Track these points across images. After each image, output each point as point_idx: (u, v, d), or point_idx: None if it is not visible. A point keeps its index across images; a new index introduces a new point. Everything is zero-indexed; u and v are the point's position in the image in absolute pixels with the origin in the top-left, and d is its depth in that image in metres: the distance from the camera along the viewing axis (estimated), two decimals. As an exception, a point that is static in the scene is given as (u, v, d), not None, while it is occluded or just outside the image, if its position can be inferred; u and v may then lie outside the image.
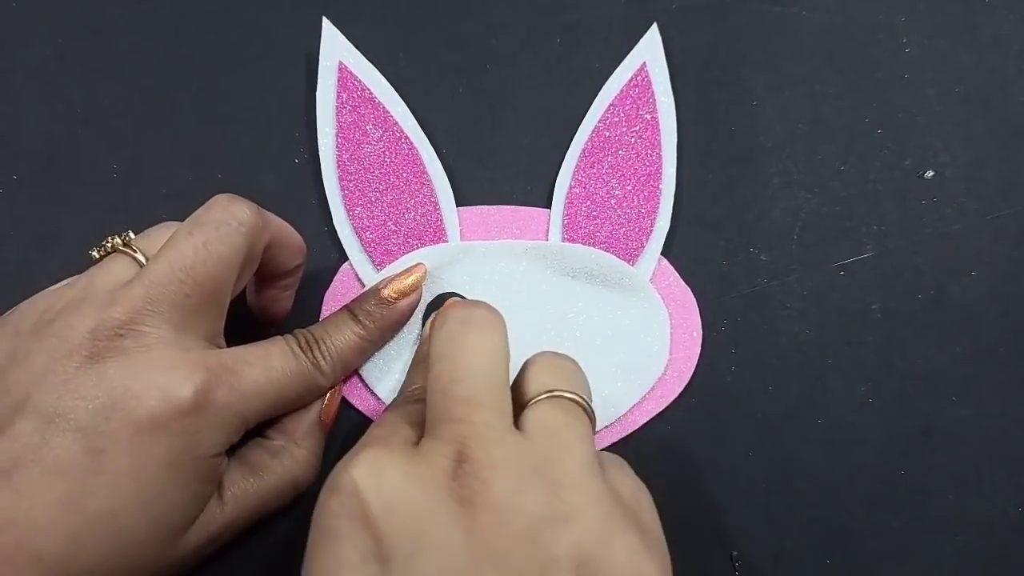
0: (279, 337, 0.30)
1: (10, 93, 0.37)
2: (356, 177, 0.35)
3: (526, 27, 0.38)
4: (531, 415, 0.25)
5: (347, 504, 0.23)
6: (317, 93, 0.35)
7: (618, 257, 0.35)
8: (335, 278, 0.35)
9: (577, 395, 0.26)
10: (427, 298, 0.34)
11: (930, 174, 0.37)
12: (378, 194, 0.35)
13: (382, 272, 0.34)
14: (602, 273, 0.35)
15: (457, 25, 0.38)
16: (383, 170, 0.35)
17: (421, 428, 0.26)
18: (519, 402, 0.26)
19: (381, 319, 0.32)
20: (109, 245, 0.29)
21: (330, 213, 0.35)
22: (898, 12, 0.38)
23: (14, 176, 0.36)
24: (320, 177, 0.35)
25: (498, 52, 0.38)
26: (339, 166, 0.35)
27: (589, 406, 0.26)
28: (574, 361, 0.28)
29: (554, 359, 0.27)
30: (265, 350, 0.29)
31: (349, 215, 0.35)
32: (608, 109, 0.36)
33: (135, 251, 0.28)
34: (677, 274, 0.36)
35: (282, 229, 0.30)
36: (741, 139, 0.37)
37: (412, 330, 0.34)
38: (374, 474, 0.23)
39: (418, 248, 0.35)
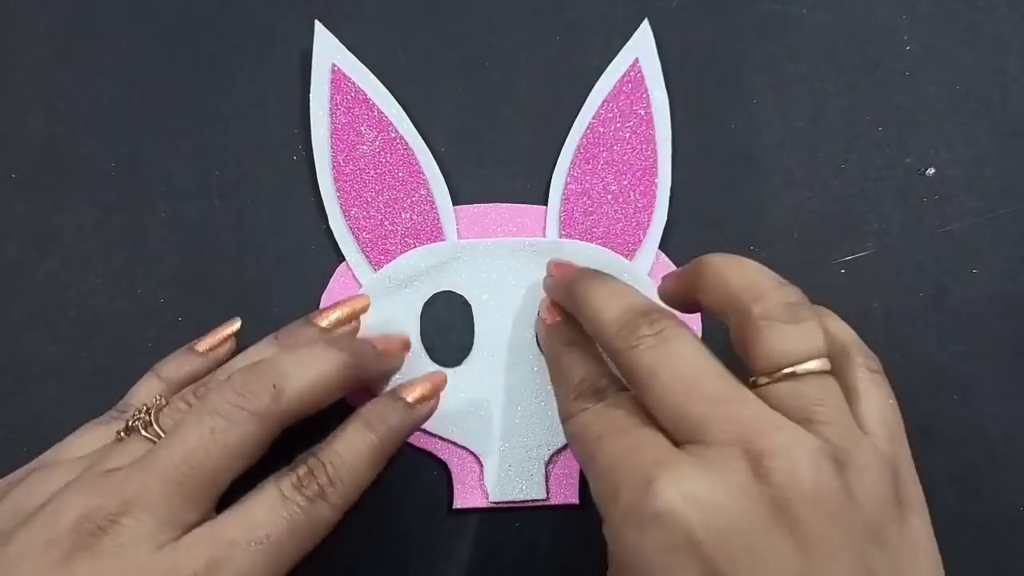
0: (272, 478, 0.27)
1: (10, 93, 0.37)
2: (351, 178, 0.35)
3: (525, 26, 0.38)
4: (783, 394, 0.24)
5: (669, 535, 0.22)
6: (310, 95, 0.35)
7: (615, 252, 0.35)
8: (332, 279, 0.35)
9: (820, 361, 0.24)
10: (424, 296, 0.34)
11: (931, 172, 0.36)
12: (374, 195, 0.35)
13: (380, 273, 0.34)
14: (600, 269, 0.34)
15: (456, 23, 0.38)
16: (378, 171, 0.35)
17: (651, 423, 0.25)
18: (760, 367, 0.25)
19: (400, 425, 0.30)
20: (133, 422, 0.28)
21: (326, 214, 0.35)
22: (899, 10, 0.38)
23: (13, 175, 0.36)
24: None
25: (497, 50, 0.37)
26: (334, 167, 0.35)
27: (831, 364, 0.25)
28: (796, 302, 0.25)
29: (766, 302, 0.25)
30: (248, 518, 0.26)
31: (345, 216, 0.35)
32: (602, 105, 0.36)
33: (158, 436, 0.27)
34: (676, 269, 0.35)
35: (318, 396, 0.28)
36: (741, 137, 0.37)
37: (410, 333, 0.34)
38: (686, 497, 0.22)
39: (415, 247, 0.35)
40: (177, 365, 0.31)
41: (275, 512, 0.26)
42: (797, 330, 0.24)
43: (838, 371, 0.25)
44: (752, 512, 0.22)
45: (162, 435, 0.27)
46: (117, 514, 0.25)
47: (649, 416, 0.25)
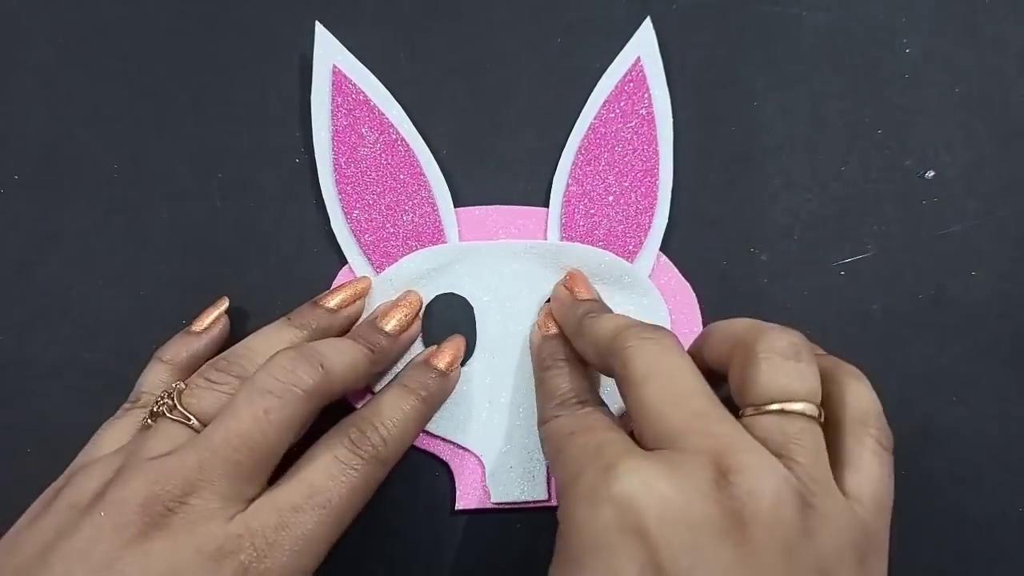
0: (324, 445, 0.29)
1: (10, 93, 0.37)
2: (353, 180, 0.35)
3: (526, 27, 0.38)
4: (766, 425, 0.25)
5: (621, 516, 0.22)
6: (312, 97, 0.35)
7: (616, 255, 0.35)
8: (334, 281, 0.35)
9: (810, 405, 0.25)
10: (426, 298, 0.34)
11: (930, 174, 0.37)
12: (375, 197, 0.35)
13: (382, 275, 0.34)
14: (601, 271, 0.35)
15: (457, 25, 0.38)
16: (380, 172, 0.35)
17: (624, 432, 0.26)
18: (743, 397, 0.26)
19: (438, 389, 0.32)
20: (158, 407, 0.29)
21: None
22: (898, 12, 0.38)
23: (15, 176, 0.36)
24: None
25: (498, 52, 0.37)
26: (336, 169, 0.35)
27: (820, 413, 0.25)
28: (800, 343, 0.26)
29: (780, 350, 0.25)
30: (309, 485, 0.27)
31: (347, 218, 0.35)
32: (604, 105, 0.36)
33: (189, 419, 0.28)
34: (677, 271, 0.36)
35: (350, 379, 0.30)
36: (741, 139, 0.37)
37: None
38: (646, 485, 0.23)
39: (417, 249, 0.35)
40: (178, 348, 0.32)
41: (334, 478, 0.28)
42: (795, 368, 0.25)
43: (848, 434, 0.26)
44: (706, 516, 0.22)
45: (189, 416, 0.28)
46: (183, 495, 0.26)
47: (624, 429, 0.26)
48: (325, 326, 0.32)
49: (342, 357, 0.30)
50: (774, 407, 0.25)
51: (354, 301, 0.33)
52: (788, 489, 0.23)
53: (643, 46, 0.36)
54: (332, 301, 0.33)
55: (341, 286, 0.34)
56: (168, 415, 0.29)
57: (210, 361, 0.31)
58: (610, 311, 0.31)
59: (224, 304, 0.33)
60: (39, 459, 0.34)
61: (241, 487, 0.27)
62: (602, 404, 0.29)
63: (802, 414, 0.25)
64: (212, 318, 0.33)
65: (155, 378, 0.31)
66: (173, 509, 0.25)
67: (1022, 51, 0.37)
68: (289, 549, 0.26)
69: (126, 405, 0.31)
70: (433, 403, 0.32)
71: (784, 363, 0.25)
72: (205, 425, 0.28)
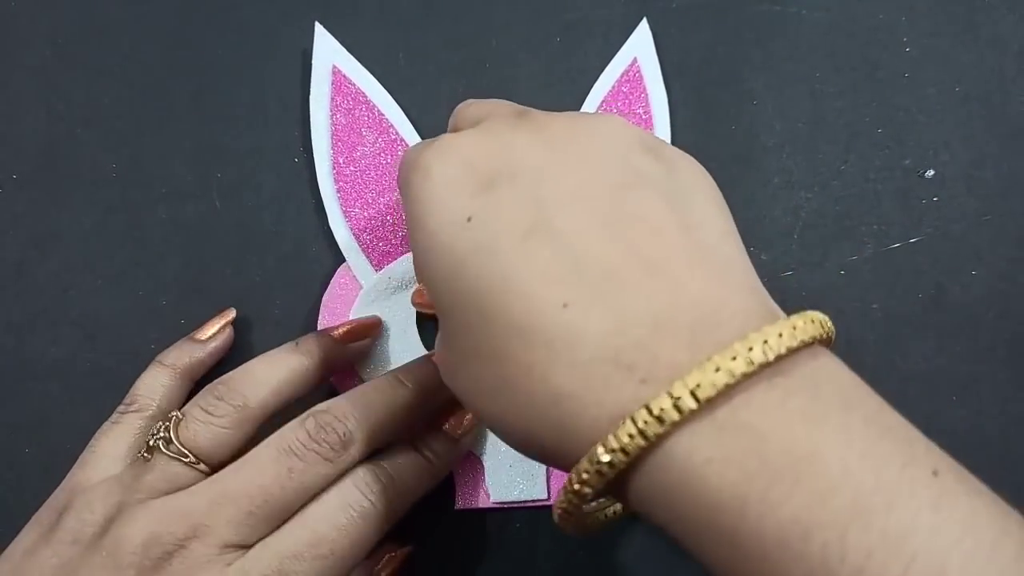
0: (332, 498, 0.27)
1: (10, 93, 0.37)
2: (352, 180, 0.35)
3: (526, 27, 0.38)
4: None
5: (445, 161, 0.24)
6: (311, 97, 0.35)
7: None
8: (333, 280, 0.35)
9: None
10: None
11: (930, 173, 0.37)
12: (374, 196, 0.35)
13: (381, 273, 0.34)
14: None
15: (457, 25, 0.38)
16: (379, 172, 0.35)
17: None
18: None
19: (448, 457, 0.31)
20: (154, 441, 0.28)
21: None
22: (898, 11, 0.38)
23: (14, 176, 0.36)
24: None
25: (498, 52, 0.37)
26: (335, 169, 0.35)
27: None
28: None
29: None
30: (313, 532, 0.27)
31: (346, 217, 0.35)
32: (600, 105, 0.36)
33: (186, 455, 0.28)
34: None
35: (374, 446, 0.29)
36: (741, 138, 0.37)
37: (410, 334, 0.34)
38: (451, 141, 0.24)
39: (416, 249, 0.35)
40: (180, 354, 0.32)
41: (340, 528, 0.27)
42: None
43: None
44: (515, 139, 0.24)
45: (186, 452, 0.28)
46: (185, 539, 0.25)
47: None
48: (332, 356, 0.32)
49: (378, 434, 0.29)
50: None
51: (360, 330, 0.33)
52: None
53: (640, 47, 0.36)
54: (340, 330, 0.32)
55: (347, 323, 0.33)
56: (164, 450, 0.28)
57: (208, 386, 0.30)
58: None
59: (231, 315, 0.33)
60: (38, 459, 0.34)
61: (246, 536, 0.26)
62: None
63: None
64: (217, 327, 0.33)
65: (154, 382, 0.31)
66: (172, 553, 0.25)
67: (1022, 51, 0.37)
68: None
69: (120, 408, 0.31)
70: (444, 468, 0.31)
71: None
72: (203, 462, 0.28)
